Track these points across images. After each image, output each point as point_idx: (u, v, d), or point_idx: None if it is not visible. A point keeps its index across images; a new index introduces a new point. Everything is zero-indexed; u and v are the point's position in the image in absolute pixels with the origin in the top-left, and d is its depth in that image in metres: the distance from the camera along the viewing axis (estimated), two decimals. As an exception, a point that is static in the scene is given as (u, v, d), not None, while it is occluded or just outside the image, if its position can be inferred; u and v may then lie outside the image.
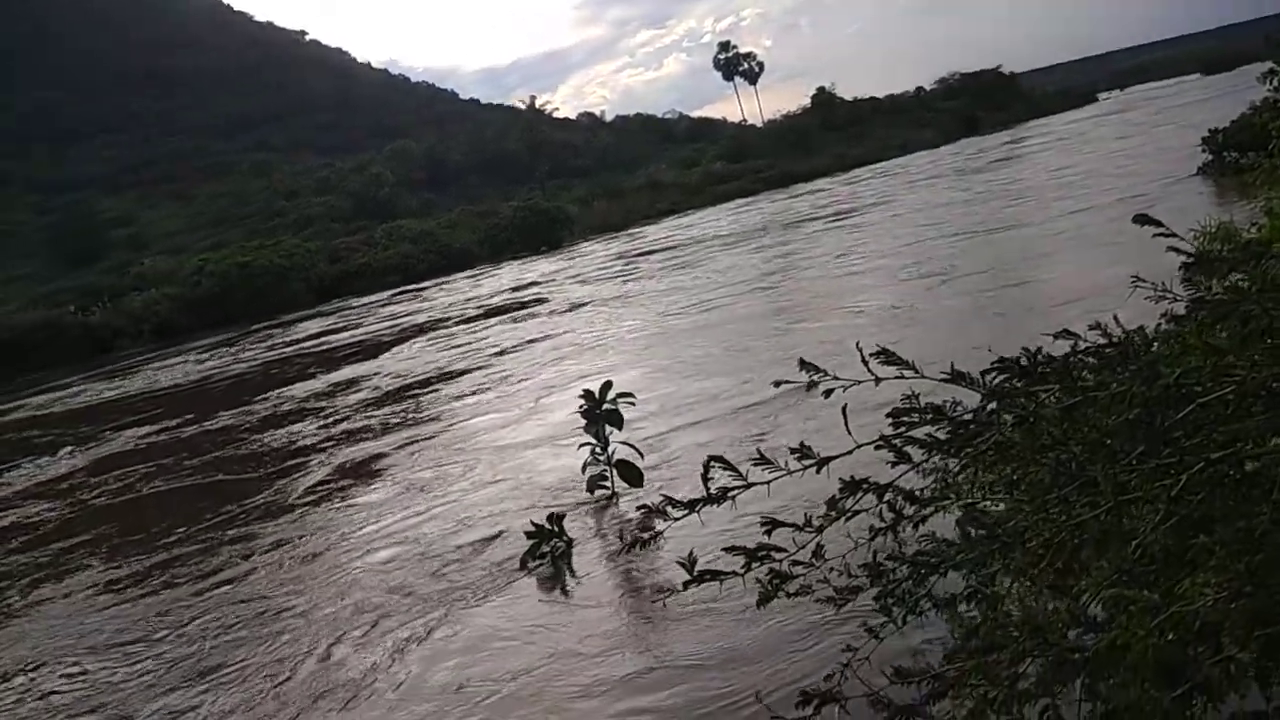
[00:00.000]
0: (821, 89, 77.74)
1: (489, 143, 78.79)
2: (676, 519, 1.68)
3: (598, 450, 6.04)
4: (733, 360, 9.84)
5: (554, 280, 25.17)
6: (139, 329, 39.94)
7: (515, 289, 25.09)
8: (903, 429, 1.65)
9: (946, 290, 10.97)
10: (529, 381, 11.17)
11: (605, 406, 6.03)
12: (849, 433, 1.57)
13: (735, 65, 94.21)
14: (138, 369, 26.45)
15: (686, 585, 1.72)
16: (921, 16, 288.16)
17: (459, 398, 11.25)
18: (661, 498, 1.71)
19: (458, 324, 19.24)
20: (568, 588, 5.06)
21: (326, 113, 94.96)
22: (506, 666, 4.22)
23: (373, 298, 36.39)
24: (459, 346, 15.70)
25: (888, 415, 1.58)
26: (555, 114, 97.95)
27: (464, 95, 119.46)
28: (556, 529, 5.38)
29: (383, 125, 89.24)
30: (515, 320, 17.62)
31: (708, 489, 1.65)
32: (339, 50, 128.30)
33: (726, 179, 56.58)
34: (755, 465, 1.65)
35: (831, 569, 1.71)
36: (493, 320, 18.44)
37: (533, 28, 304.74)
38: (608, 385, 6.14)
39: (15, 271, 57.09)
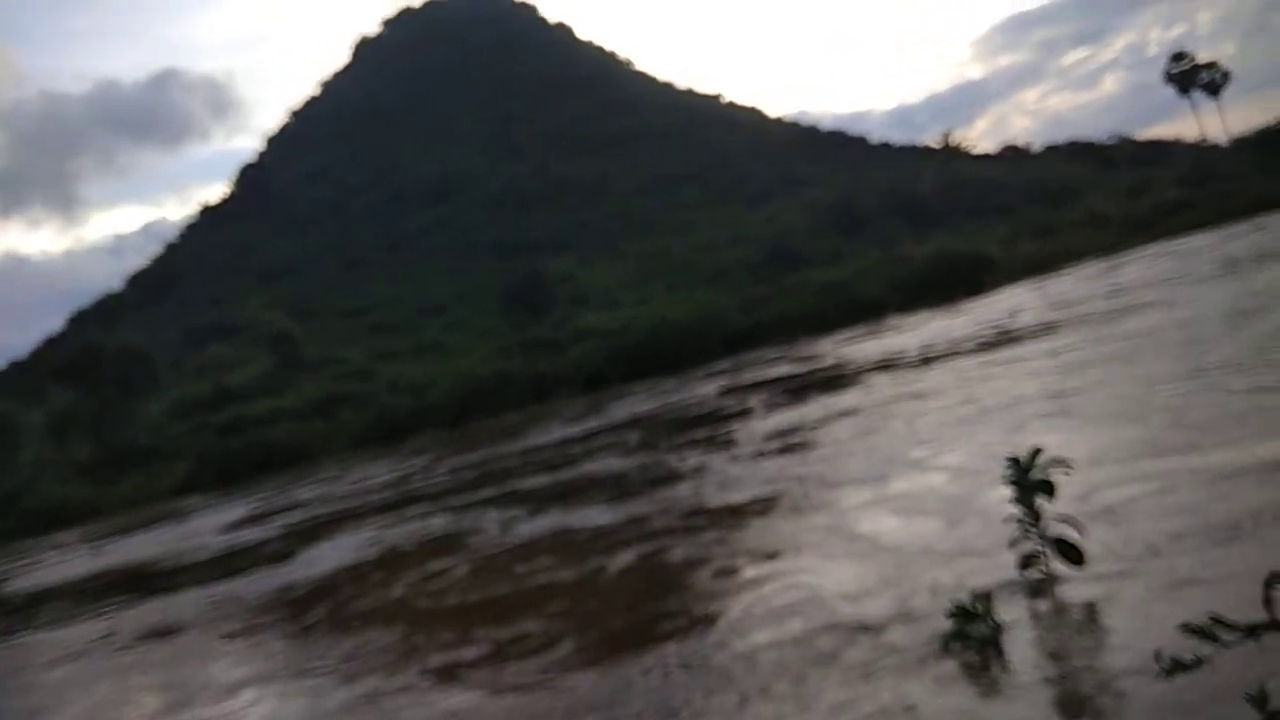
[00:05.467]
0: (1311, 93, 64.70)
1: (901, 186, 76.30)
2: (1228, 644, 1.41)
3: (1028, 524, 5.40)
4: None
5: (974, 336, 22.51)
6: (574, 378, 43.72)
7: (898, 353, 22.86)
8: None
9: None
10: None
11: (1035, 475, 5.40)
12: None
13: (1192, 77, 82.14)
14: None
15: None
16: None
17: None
18: (1209, 617, 1.46)
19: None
20: (997, 681, 4.26)
21: (740, 167, 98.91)
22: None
23: (777, 351, 36.01)
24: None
25: None
26: (973, 149, 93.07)
27: (876, 137, 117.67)
28: (983, 610, 4.68)
29: (794, 175, 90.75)
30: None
31: (1271, 611, 1.38)
32: (751, 108, 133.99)
33: (1183, 207, 48.67)
34: None
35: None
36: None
37: (945, 61, 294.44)
38: (1037, 451, 5.49)
39: (481, 326, 66.00)
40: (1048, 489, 5.37)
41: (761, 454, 12.03)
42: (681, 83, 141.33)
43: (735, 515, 9.06)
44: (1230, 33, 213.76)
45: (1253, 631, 1.44)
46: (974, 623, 4.70)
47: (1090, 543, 5.27)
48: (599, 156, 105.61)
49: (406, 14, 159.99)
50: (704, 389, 26.27)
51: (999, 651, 4.54)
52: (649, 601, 6.99)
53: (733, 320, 45.59)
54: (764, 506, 9.07)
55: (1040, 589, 5.24)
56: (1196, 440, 7.22)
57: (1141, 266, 30.53)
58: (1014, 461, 5.53)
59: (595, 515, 10.65)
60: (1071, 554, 5.27)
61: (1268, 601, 1.47)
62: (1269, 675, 2.41)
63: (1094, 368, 11.98)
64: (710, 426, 16.68)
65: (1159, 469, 6.78)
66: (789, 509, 8.70)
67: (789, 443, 12.42)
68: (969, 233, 56.11)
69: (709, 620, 6.10)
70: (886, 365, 19.58)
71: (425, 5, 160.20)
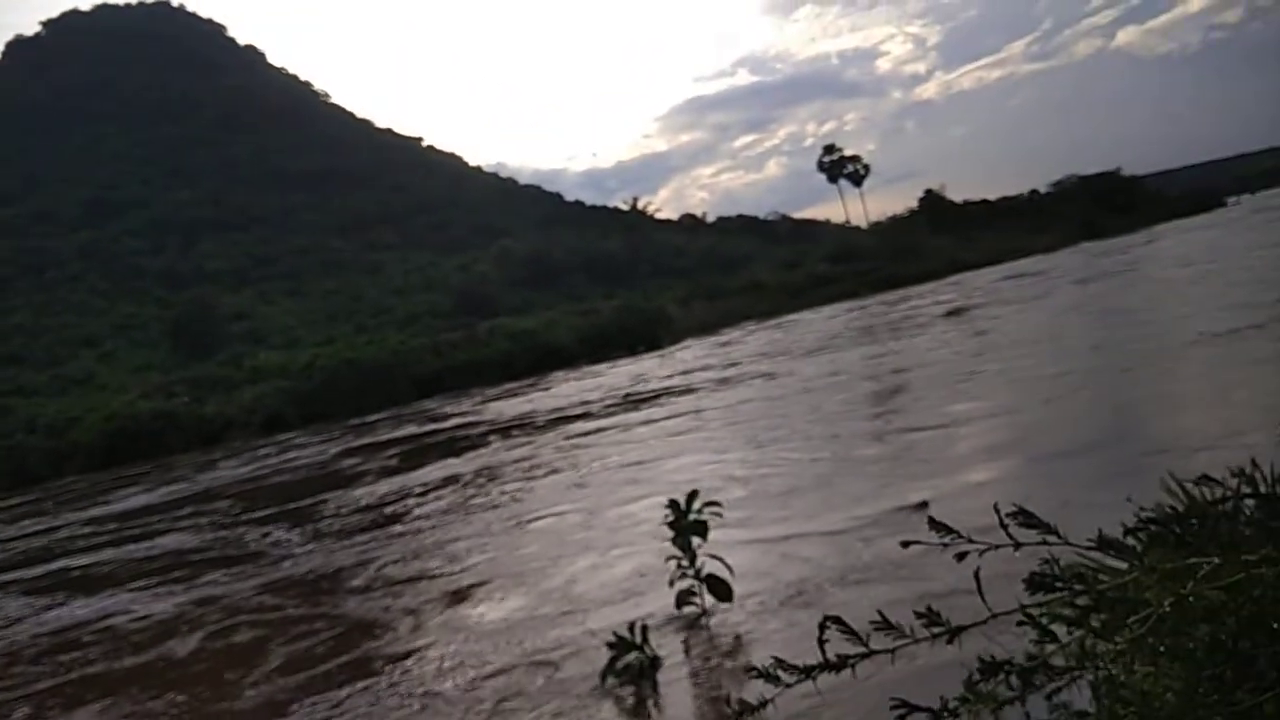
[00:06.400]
0: (930, 191, 76.92)
1: (591, 243, 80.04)
2: (790, 685, 1.52)
3: (684, 563, 5.79)
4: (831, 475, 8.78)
5: (649, 382, 24.38)
6: (249, 420, 40.86)
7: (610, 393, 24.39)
8: (1040, 598, 1.45)
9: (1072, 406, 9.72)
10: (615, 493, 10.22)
11: (692, 517, 5.80)
12: (983, 600, 1.37)
13: (840, 168, 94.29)
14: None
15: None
16: (1033, 117, 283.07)
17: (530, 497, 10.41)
18: (772, 660, 1.56)
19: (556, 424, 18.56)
20: (649, 713, 4.65)
21: (437, 213, 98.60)
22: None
23: (471, 394, 36.30)
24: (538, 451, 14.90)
25: (1024, 581, 1.42)
26: (657, 215, 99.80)
27: (569, 197, 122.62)
28: (640, 641, 4.98)
29: (490, 225, 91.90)
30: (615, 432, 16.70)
31: (824, 654, 1.51)
32: (452, 154, 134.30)
33: (830, 281, 55.65)
34: (876, 630, 1.48)
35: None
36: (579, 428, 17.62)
37: (633, 132, 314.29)
38: (694, 494, 5.90)
39: (140, 361, 59.80)
40: (701, 530, 5.77)
41: (345, 531, 11.70)
42: (381, 121, 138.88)
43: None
44: (871, 132, 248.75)
45: (809, 672, 1.56)
46: (631, 652, 4.97)
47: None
48: (284, 191, 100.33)
49: (73, 17, 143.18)
50: (329, 448, 24.94)
51: (653, 680, 4.84)
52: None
53: (423, 363, 45.14)
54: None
55: (695, 622, 5.67)
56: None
57: (773, 333, 34.62)
58: (673, 504, 5.85)
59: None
60: (721, 590, 5.70)
61: (820, 643, 1.57)
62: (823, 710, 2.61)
63: (685, 435, 13.44)
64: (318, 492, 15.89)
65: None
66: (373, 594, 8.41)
67: (380, 516, 12.20)
68: (651, 291, 59.99)
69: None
70: (518, 424, 20.33)
71: (96, 9, 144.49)
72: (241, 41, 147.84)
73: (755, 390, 17.09)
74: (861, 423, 11.24)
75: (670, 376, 24.41)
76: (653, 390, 21.23)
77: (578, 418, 19.10)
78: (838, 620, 1.55)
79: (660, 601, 6.04)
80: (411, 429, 25.28)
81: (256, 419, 40.69)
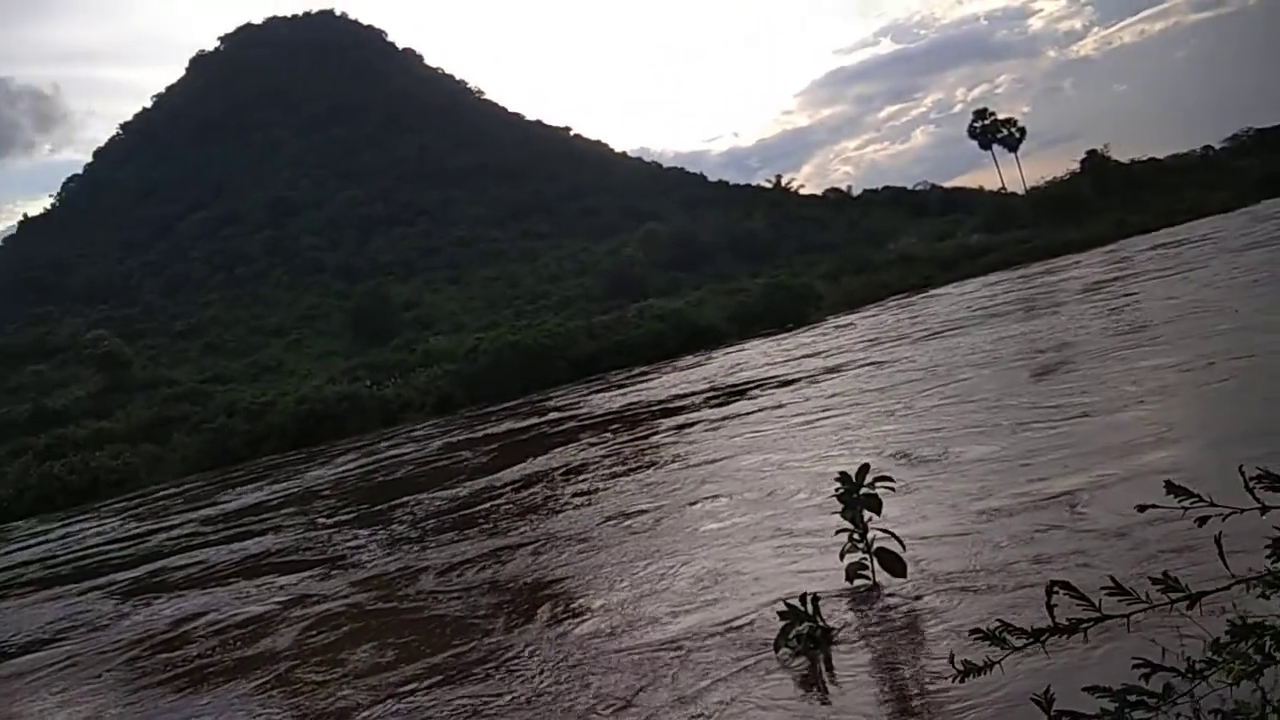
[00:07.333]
0: (1092, 151, 73.13)
1: (736, 222, 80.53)
2: (1018, 648, 1.53)
3: (855, 536, 5.75)
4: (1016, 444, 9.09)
5: (801, 356, 25.01)
6: (423, 401, 43.92)
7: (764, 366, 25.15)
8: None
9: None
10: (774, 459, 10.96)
11: (863, 490, 5.75)
12: (1225, 566, 1.41)
13: (992, 132, 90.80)
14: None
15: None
16: (1202, 70, 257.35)
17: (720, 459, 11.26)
18: (998, 622, 1.57)
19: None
20: (821, 679, 4.64)
21: (587, 200, 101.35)
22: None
23: (625, 373, 37.80)
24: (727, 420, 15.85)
25: (1268, 546, 1.40)
26: (800, 191, 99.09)
27: (712, 178, 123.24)
28: (811, 611, 5.01)
29: (638, 209, 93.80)
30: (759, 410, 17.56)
31: (1053, 618, 1.51)
32: (598, 142, 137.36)
33: (986, 251, 54.22)
34: (1109, 594, 1.48)
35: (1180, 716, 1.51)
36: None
37: (773, 110, 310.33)
38: (865, 468, 5.87)
39: (323, 348, 64.91)
40: (874, 504, 5.70)
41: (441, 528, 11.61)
42: (531, 114, 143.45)
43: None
44: (1025, 95, 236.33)
45: (1038, 635, 1.53)
46: (803, 623, 5.00)
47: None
48: (446, 185, 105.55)
49: (247, 30, 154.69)
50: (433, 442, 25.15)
51: (826, 651, 4.86)
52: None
53: (579, 345, 47.11)
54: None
55: (866, 596, 5.60)
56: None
57: (925, 307, 34.20)
58: (844, 477, 5.77)
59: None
60: (894, 564, 5.58)
61: (1049, 607, 1.54)
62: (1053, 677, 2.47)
63: (836, 415, 13.13)
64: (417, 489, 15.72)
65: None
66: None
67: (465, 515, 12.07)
68: (798, 268, 60.11)
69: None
70: (675, 402, 20.56)
71: (266, 22, 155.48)
72: (400, 45, 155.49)
73: (909, 367, 17.38)
74: (1027, 402, 11.20)
75: (820, 354, 24.88)
76: (803, 369, 21.73)
77: (734, 396, 19.69)
78: (1066, 585, 1.53)
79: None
80: (590, 405, 26.31)
81: (430, 400, 43.68)
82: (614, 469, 13.16)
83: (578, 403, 27.66)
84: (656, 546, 8.17)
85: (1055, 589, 1.56)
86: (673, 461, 12.69)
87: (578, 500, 11.35)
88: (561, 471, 14.04)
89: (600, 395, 28.40)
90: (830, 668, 4.73)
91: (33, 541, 24.17)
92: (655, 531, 8.78)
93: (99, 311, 79.64)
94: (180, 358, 66.21)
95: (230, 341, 71.07)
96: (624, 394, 26.76)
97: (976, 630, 1.71)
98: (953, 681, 1.71)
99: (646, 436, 16.15)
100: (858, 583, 5.71)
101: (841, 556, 5.72)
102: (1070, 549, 5.58)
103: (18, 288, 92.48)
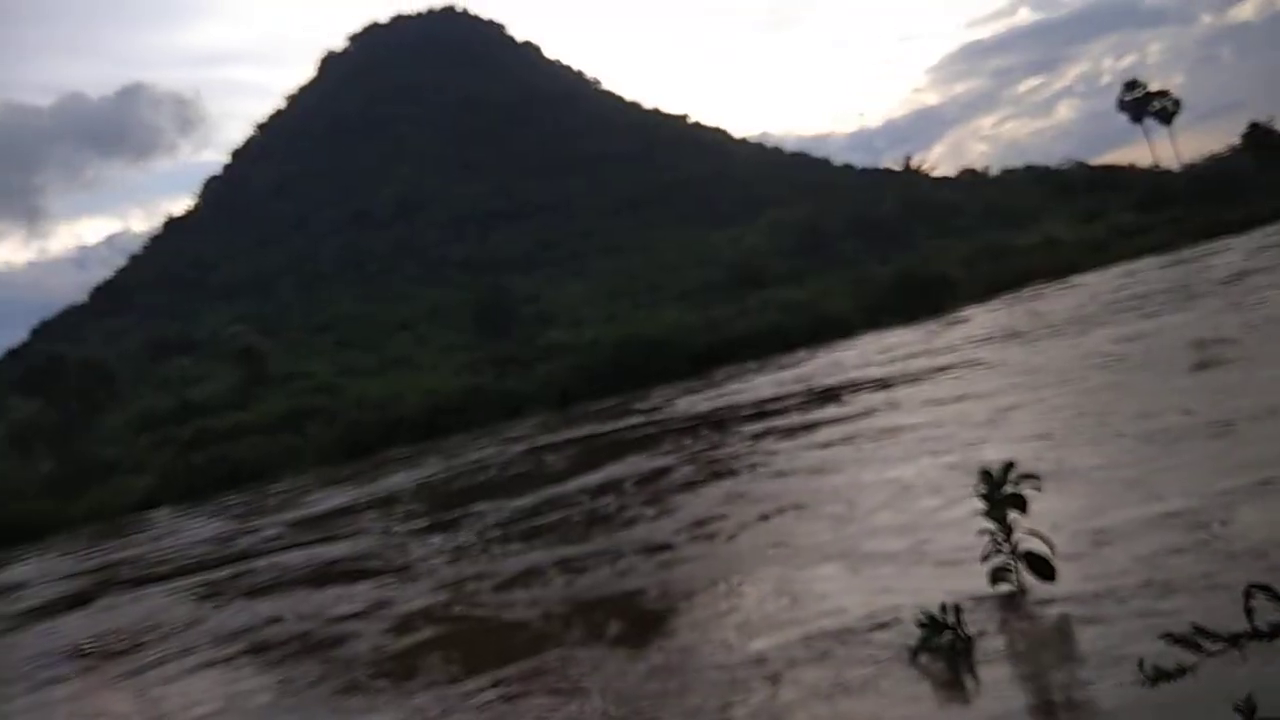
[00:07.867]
0: (1255, 124, 67.22)
1: (863, 207, 77.69)
2: (1213, 653, 1.44)
3: (999, 538, 5.41)
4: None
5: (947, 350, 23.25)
6: (545, 394, 43.89)
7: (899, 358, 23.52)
8: None
9: None
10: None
11: (1007, 489, 5.42)
12: None
13: (1144, 105, 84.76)
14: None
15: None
16: None
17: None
18: (1190, 626, 1.48)
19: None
20: (965, 689, 4.43)
21: (706, 188, 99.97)
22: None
23: (745, 366, 36.54)
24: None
25: None
26: (932, 172, 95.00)
27: (837, 161, 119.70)
28: (952, 621, 4.78)
29: (759, 196, 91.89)
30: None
31: (1251, 621, 1.41)
32: (716, 129, 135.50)
33: (1138, 232, 50.33)
34: None
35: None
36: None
37: (902, 88, 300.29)
38: (1009, 466, 5.51)
39: (448, 341, 65.97)
40: (1019, 503, 5.33)
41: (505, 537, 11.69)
42: (648, 102, 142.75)
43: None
44: (1179, 64, 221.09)
45: (1235, 640, 1.48)
46: (943, 633, 4.74)
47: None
48: (565, 177, 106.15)
49: (374, 30, 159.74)
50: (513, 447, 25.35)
51: (967, 661, 4.57)
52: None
53: (700, 338, 46.05)
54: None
55: (1011, 602, 5.23)
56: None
57: (1072, 295, 31.69)
58: (986, 475, 5.44)
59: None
60: (1042, 568, 5.21)
61: (1248, 610, 1.51)
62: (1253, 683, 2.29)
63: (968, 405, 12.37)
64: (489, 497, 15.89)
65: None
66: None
67: (535, 524, 12.00)
68: (930, 254, 57.34)
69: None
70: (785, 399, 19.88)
71: (392, 21, 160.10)
72: (519, 39, 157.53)
73: (1055, 361, 15.79)
74: (1182, 405, 9.95)
75: (953, 347, 23.18)
76: (935, 363, 20.24)
77: (866, 388, 18.62)
78: (1265, 588, 1.49)
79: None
80: (719, 399, 25.68)
81: (552, 393, 43.60)
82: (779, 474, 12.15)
83: (727, 393, 26.62)
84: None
85: (1253, 591, 1.44)
86: (813, 469, 11.55)
87: (659, 509, 11.16)
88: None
89: (762, 377, 27.38)
90: (975, 677, 4.52)
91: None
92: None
93: (237, 307, 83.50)
94: (314, 352, 68.52)
95: (360, 336, 73.19)
96: (776, 381, 25.64)
97: (1167, 634, 1.66)
98: (1143, 685, 1.66)
99: (810, 431, 14.97)
100: (1001, 587, 5.38)
101: (983, 559, 5.43)
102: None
103: (165, 284, 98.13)
